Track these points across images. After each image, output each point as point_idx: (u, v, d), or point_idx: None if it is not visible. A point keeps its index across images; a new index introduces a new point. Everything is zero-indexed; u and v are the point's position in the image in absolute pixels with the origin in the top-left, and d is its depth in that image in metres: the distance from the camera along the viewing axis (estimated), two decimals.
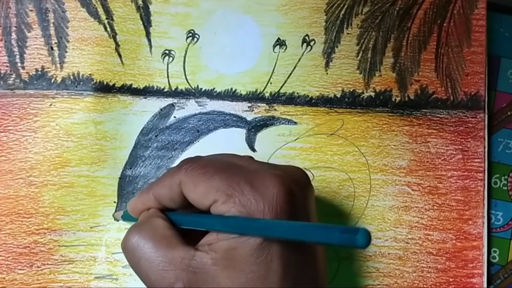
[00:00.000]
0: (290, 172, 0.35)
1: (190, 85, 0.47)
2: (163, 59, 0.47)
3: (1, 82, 0.47)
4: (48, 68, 0.47)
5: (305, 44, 0.48)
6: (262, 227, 0.31)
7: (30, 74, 0.47)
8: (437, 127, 0.47)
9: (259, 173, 0.33)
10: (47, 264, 0.45)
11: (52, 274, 0.45)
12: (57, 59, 0.47)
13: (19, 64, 0.47)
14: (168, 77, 0.47)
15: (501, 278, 0.47)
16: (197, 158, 0.36)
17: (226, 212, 0.32)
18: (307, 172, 0.38)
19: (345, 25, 0.48)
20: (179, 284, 0.32)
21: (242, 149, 0.46)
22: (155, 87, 0.47)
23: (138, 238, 0.34)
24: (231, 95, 0.47)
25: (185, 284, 0.32)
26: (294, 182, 0.34)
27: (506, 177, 0.48)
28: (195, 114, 0.47)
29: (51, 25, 0.47)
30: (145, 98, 0.47)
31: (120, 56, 0.47)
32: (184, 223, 0.36)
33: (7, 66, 0.47)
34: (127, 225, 0.46)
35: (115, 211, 0.46)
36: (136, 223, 0.37)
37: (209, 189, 0.33)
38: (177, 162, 0.47)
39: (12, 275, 0.45)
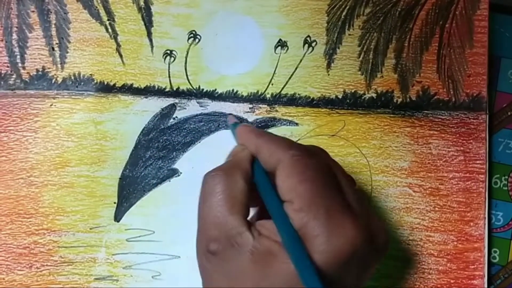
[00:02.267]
0: (377, 231, 0.35)
1: (191, 86, 0.47)
2: (165, 59, 0.47)
3: (2, 82, 0.47)
4: (48, 68, 0.47)
5: (306, 45, 0.48)
6: (301, 264, 0.30)
7: (31, 74, 0.47)
8: (438, 129, 0.47)
9: (346, 218, 0.32)
10: (47, 265, 0.45)
11: (52, 276, 0.45)
12: (58, 59, 0.47)
13: (19, 65, 0.47)
14: (169, 77, 0.47)
15: (502, 278, 0.47)
16: (310, 152, 0.35)
17: (291, 218, 0.32)
18: None
19: (347, 26, 0.48)
20: (214, 245, 0.33)
21: None
22: (157, 86, 0.47)
23: (217, 185, 0.35)
24: (232, 96, 0.47)
25: (218, 249, 0.33)
26: (371, 243, 0.33)
27: (507, 177, 0.48)
28: (197, 115, 0.47)
29: (53, 26, 0.47)
30: (146, 97, 0.47)
31: (121, 56, 0.47)
32: (260, 188, 0.36)
33: (7, 67, 0.47)
34: (127, 226, 0.46)
35: (115, 212, 0.46)
36: (225, 167, 0.36)
37: (295, 188, 0.33)
38: (178, 163, 0.47)
39: (11, 276, 0.45)
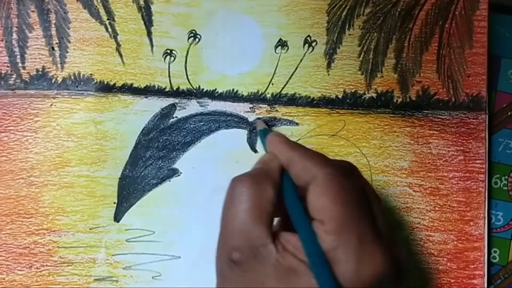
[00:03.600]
0: (402, 259, 0.34)
1: (191, 86, 0.47)
2: (165, 59, 0.47)
3: (2, 82, 0.47)
4: (49, 68, 0.47)
5: (307, 45, 0.48)
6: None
7: (31, 74, 0.47)
8: (438, 128, 0.47)
9: (377, 247, 0.32)
10: (46, 265, 0.45)
11: (51, 276, 0.45)
12: (58, 59, 0.47)
13: (20, 64, 0.47)
14: (169, 77, 0.47)
15: (502, 278, 0.47)
16: (345, 171, 0.35)
17: (320, 238, 0.32)
18: None
19: (347, 26, 0.48)
20: (237, 254, 0.32)
21: (244, 150, 0.46)
22: (157, 86, 0.47)
23: (245, 191, 0.34)
24: (232, 96, 0.47)
25: (241, 259, 0.32)
26: (396, 271, 0.33)
27: (506, 177, 0.48)
28: (197, 115, 0.47)
29: (53, 25, 0.47)
30: (146, 97, 0.47)
31: (121, 55, 0.47)
32: (288, 201, 0.35)
33: (7, 66, 0.47)
34: (127, 227, 0.45)
35: (115, 212, 0.46)
36: (255, 173, 0.36)
37: (328, 209, 0.32)
38: (178, 163, 0.47)
39: (11, 276, 0.45)
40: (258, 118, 0.47)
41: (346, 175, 0.34)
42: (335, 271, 0.30)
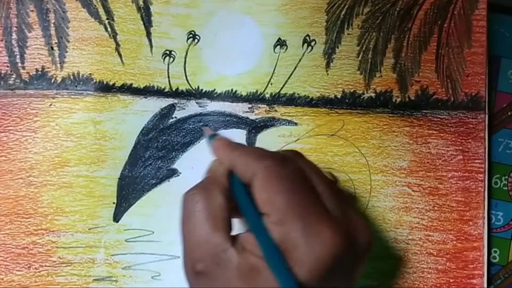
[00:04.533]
0: (359, 232, 0.34)
1: (190, 86, 0.47)
2: (164, 59, 0.47)
3: (2, 82, 0.47)
4: (48, 68, 0.47)
5: (306, 44, 0.48)
6: (282, 278, 0.30)
7: (31, 74, 0.47)
8: (437, 128, 0.47)
9: (323, 224, 0.32)
10: (45, 266, 0.45)
11: (50, 276, 0.45)
12: (57, 59, 0.47)
13: (19, 64, 0.47)
14: (168, 77, 0.47)
15: (502, 278, 0.47)
16: (282, 160, 0.35)
17: (270, 231, 0.32)
18: None
19: (346, 26, 0.48)
20: (200, 265, 0.33)
21: None
22: (156, 87, 0.47)
23: (196, 204, 0.34)
24: (231, 96, 0.47)
25: (204, 269, 0.33)
26: (352, 245, 0.33)
27: (507, 177, 0.48)
28: (196, 115, 0.47)
29: (52, 25, 0.47)
30: (146, 97, 0.47)
31: (120, 55, 0.47)
32: (239, 202, 0.35)
33: (7, 66, 0.47)
34: (126, 227, 0.45)
35: (114, 212, 0.46)
36: (203, 184, 0.36)
37: (271, 201, 0.33)
38: (177, 163, 0.47)
39: (10, 276, 0.45)
40: (205, 125, 0.47)
41: (283, 164, 0.34)
42: (290, 259, 0.31)
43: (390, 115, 0.47)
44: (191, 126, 0.47)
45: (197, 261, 0.33)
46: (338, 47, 0.48)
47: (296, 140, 0.47)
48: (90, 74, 0.47)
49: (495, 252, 0.47)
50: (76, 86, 0.47)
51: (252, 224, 0.34)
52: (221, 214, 0.34)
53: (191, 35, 0.48)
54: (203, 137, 0.47)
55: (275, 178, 0.33)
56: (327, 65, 0.48)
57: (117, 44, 0.47)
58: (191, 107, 0.47)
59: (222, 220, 0.34)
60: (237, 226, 0.37)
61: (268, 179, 0.33)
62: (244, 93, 0.47)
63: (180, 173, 0.47)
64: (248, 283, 0.32)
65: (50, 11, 0.47)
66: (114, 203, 0.46)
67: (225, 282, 0.32)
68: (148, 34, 0.47)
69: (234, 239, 0.33)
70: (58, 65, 0.47)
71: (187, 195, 0.35)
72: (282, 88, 0.47)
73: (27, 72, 0.47)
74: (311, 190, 0.34)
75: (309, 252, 0.31)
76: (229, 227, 0.34)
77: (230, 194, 0.36)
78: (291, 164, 0.35)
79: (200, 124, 0.47)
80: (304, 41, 0.48)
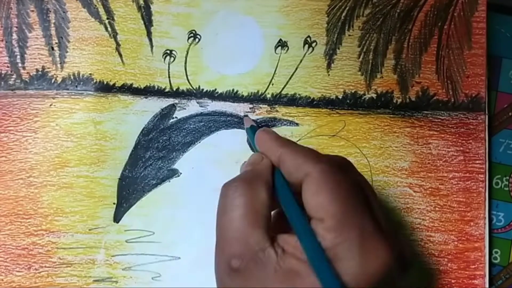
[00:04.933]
0: (404, 248, 0.34)
1: (191, 86, 0.47)
2: (164, 59, 0.47)
3: (2, 83, 0.47)
4: (48, 68, 0.47)
5: (306, 45, 0.48)
6: (330, 285, 0.29)
7: (31, 74, 0.47)
8: (438, 129, 0.47)
9: (379, 240, 0.31)
10: (45, 266, 0.45)
11: (50, 277, 0.45)
12: (58, 59, 0.47)
13: (19, 65, 0.47)
14: (169, 77, 0.47)
15: (503, 279, 0.47)
16: (339, 166, 0.34)
17: (320, 237, 0.31)
18: None
19: (347, 27, 0.48)
20: (237, 262, 0.32)
21: (244, 151, 0.46)
22: (156, 87, 0.47)
23: (237, 197, 0.33)
24: (232, 96, 0.47)
25: (241, 266, 0.31)
26: (400, 261, 0.32)
27: (508, 177, 0.48)
28: (196, 115, 0.47)
29: (52, 25, 0.47)
30: (146, 97, 0.47)
31: (120, 55, 0.47)
32: (282, 200, 0.34)
33: (8, 67, 0.47)
34: (126, 227, 0.45)
35: (115, 213, 0.45)
36: (245, 177, 0.35)
37: (326, 206, 0.32)
38: (177, 163, 0.46)
39: (10, 277, 0.45)
40: (246, 115, 0.47)
41: (340, 170, 0.33)
42: (338, 268, 0.30)
43: (391, 115, 0.47)
44: (191, 126, 0.47)
45: (234, 257, 0.32)
46: (339, 48, 0.48)
47: (297, 141, 0.47)
48: (90, 74, 0.47)
49: (496, 252, 0.47)
50: (76, 86, 0.47)
51: (297, 226, 0.32)
52: (262, 211, 0.33)
53: (192, 35, 0.48)
54: (204, 137, 0.47)
55: (332, 183, 0.32)
56: (328, 66, 0.48)
57: (118, 44, 0.47)
58: (192, 107, 0.47)
59: (263, 218, 0.33)
60: None
61: (324, 183, 0.32)
62: (245, 93, 0.47)
63: (181, 173, 0.46)
64: (286, 286, 0.30)
65: (50, 11, 0.47)
66: (114, 203, 0.46)
67: (261, 282, 0.31)
68: (149, 34, 0.47)
69: (273, 240, 0.32)
70: (59, 65, 0.47)
71: (228, 187, 0.34)
72: (283, 88, 0.47)
73: (28, 72, 0.47)
74: (366, 202, 0.33)
75: (362, 265, 0.30)
76: (269, 226, 0.33)
77: (273, 191, 0.34)
78: (347, 172, 0.34)
79: (201, 124, 0.47)
80: (305, 42, 0.48)
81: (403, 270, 0.33)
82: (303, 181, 0.33)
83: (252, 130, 0.40)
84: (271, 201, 0.34)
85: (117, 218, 0.46)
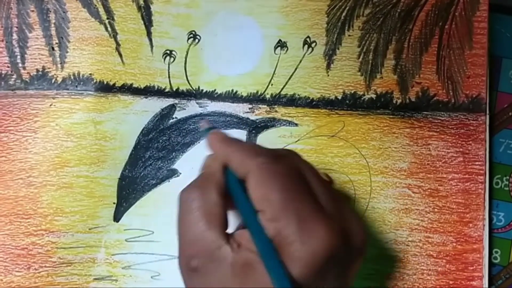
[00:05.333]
0: (354, 231, 0.34)
1: (191, 86, 0.47)
2: (164, 59, 0.47)
3: (2, 83, 0.47)
4: (49, 68, 0.47)
5: (306, 46, 0.48)
6: (275, 274, 0.30)
7: (31, 74, 0.47)
8: (438, 130, 0.47)
9: (318, 221, 0.32)
10: (45, 266, 0.45)
11: (50, 277, 0.45)
12: (58, 59, 0.47)
13: (20, 65, 0.47)
14: (169, 77, 0.47)
15: (503, 279, 0.47)
16: (277, 157, 0.35)
17: (265, 228, 0.32)
18: None
19: (346, 27, 0.48)
20: (195, 261, 0.33)
21: None
22: (156, 87, 0.47)
23: (191, 201, 0.35)
24: (232, 97, 0.47)
25: (199, 265, 0.33)
26: (347, 244, 0.33)
27: (508, 177, 0.48)
28: (196, 115, 0.47)
29: (52, 25, 0.47)
30: (146, 97, 0.47)
31: (120, 55, 0.47)
32: (234, 197, 0.35)
33: (8, 67, 0.47)
34: (126, 227, 0.45)
35: (115, 212, 0.46)
36: (198, 181, 0.36)
37: (266, 198, 0.33)
38: (177, 163, 0.47)
39: (9, 277, 0.45)
40: (202, 118, 0.47)
41: (277, 161, 0.34)
42: (284, 256, 0.31)
43: (391, 116, 0.47)
44: (191, 127, 0.47)
45: (192, 257, 0.33)
46: (338, 49, 0.48)
47: (296, 141, 0.47)
48: (90, 74, 0.47)
49: (496, 252, 0.47)
50: (76, 86, 0.47)
51: (247, 220, 0.34)
52: (216, 212, 0.34)
53: (191, 35, 0.48)
54: (203, 138, 0.47)
55: (270, 175, 0.34)
56: (328, 66, 0.48)
57: (118, 44, 0.47)
58: (192, 107, 0.47)
59: (217, 218, 0.34)
60: (233, 221, 0.37)
61: (262, 176, 0.34)
62: (244, 94, 0.47)
63: (180, 173, 0.47)
64: (242, 279, 0.32)
65: (50, 11, 0.47)
66: (114, 203, 0.46)
67: (219, 279, 0.32)
68: (149, 34, 0.47)
69: (229, 236, 0.34)
70: (59, 65, 0.47)
71: (183, 194, 0.35)
72: (282, 88, 0.47)
73: (28, 73, 0.47)
74: (306, 188, 0.34)
75: (303, 248, 0.31)
76: (224, 224, 0.34)
77: (226, 190, 0.35)
78: (285, 161, 0.35)
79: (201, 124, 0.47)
80: (305, 42, 0.48)
81: (351, 251, 0.34)
82: (246, 177, 0.34)
83: (206, 132, 0.41)
84: (223, 201, 0.35)
85: (117, 217, 0.46)
